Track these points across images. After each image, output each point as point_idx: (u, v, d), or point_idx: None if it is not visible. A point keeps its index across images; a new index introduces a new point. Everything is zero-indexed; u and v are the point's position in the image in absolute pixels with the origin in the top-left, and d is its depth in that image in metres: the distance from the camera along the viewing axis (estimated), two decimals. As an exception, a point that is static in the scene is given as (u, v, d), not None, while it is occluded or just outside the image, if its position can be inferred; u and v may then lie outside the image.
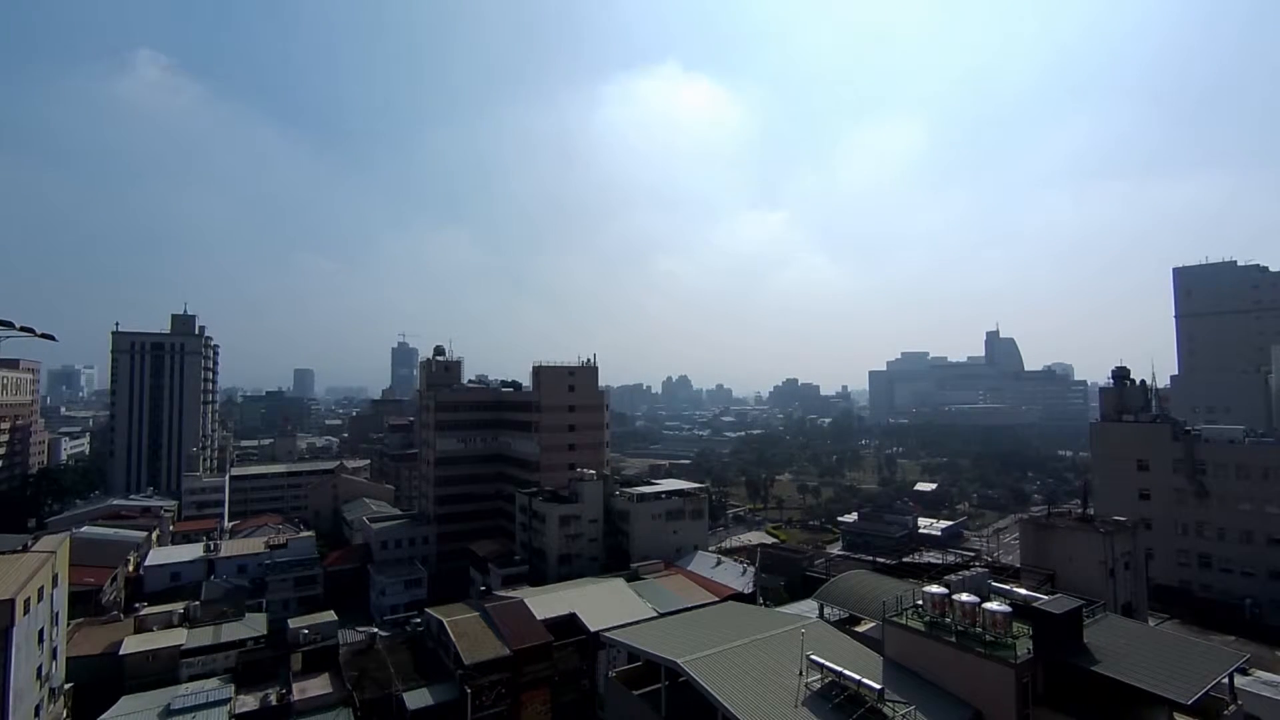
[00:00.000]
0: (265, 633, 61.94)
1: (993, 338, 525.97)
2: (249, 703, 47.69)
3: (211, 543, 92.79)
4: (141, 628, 60.74)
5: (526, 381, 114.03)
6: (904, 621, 37.27)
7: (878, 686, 31.15)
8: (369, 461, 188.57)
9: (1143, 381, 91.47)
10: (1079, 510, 63.27)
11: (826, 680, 32.64)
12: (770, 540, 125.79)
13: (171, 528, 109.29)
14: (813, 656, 33.45)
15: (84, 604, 65.67)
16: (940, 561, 79.84)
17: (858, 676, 31.60)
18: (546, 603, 61.05)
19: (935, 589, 38.15)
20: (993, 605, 35.54)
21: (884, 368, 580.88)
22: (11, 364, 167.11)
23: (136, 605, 69.97)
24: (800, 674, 33.37)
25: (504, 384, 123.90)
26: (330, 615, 63.26)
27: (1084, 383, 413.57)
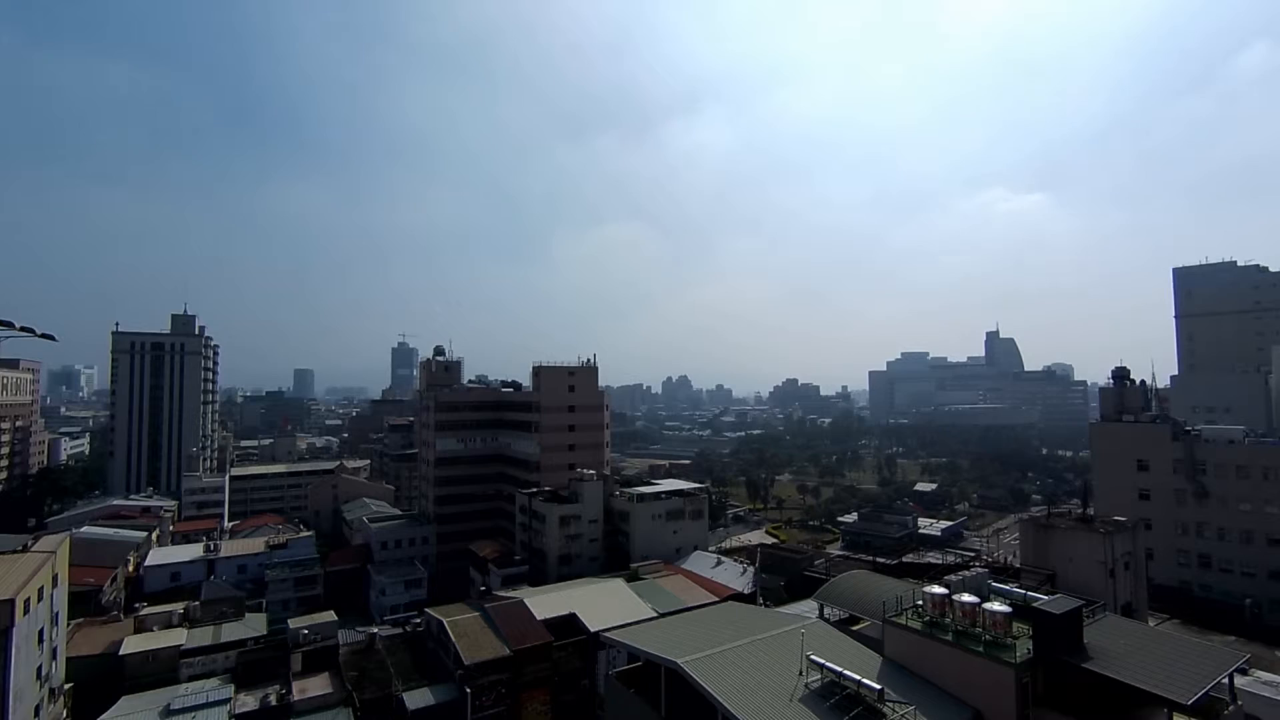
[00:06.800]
0: (265, 633, 61.92)
1: (993, 338, 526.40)
2: (249, 703, 47.64)
3: (211, 543, 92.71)
4: (141, 628, 60.70)
5: (527, 381, 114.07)
6: (904, 622, 37.25)
7: (877, 687, 31.13)
8: (369, 461, 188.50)
9: (1142, 381, 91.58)
10: (1079, 510, 63.33)
11: (826, 680, 32.62)
12: (770, 540, 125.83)
13: (171, 528, 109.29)
14: (813, 656, 33.43)
15: (84, 604, 65.67)
16: (940, 561, 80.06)
17: (857, 676, 31.58)
18: (546, 603, 61.00)
19: (935, 589, 38.13)
20: (993, 605, 35.54)
21: (884, 368, 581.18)
22: (11, 364, 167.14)
23: (136, 605, 69.97)
24: (800, 674, 33.37)
25: (504, 384, 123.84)
26: (330, 615, 63.11)
27: (1084, 383, 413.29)
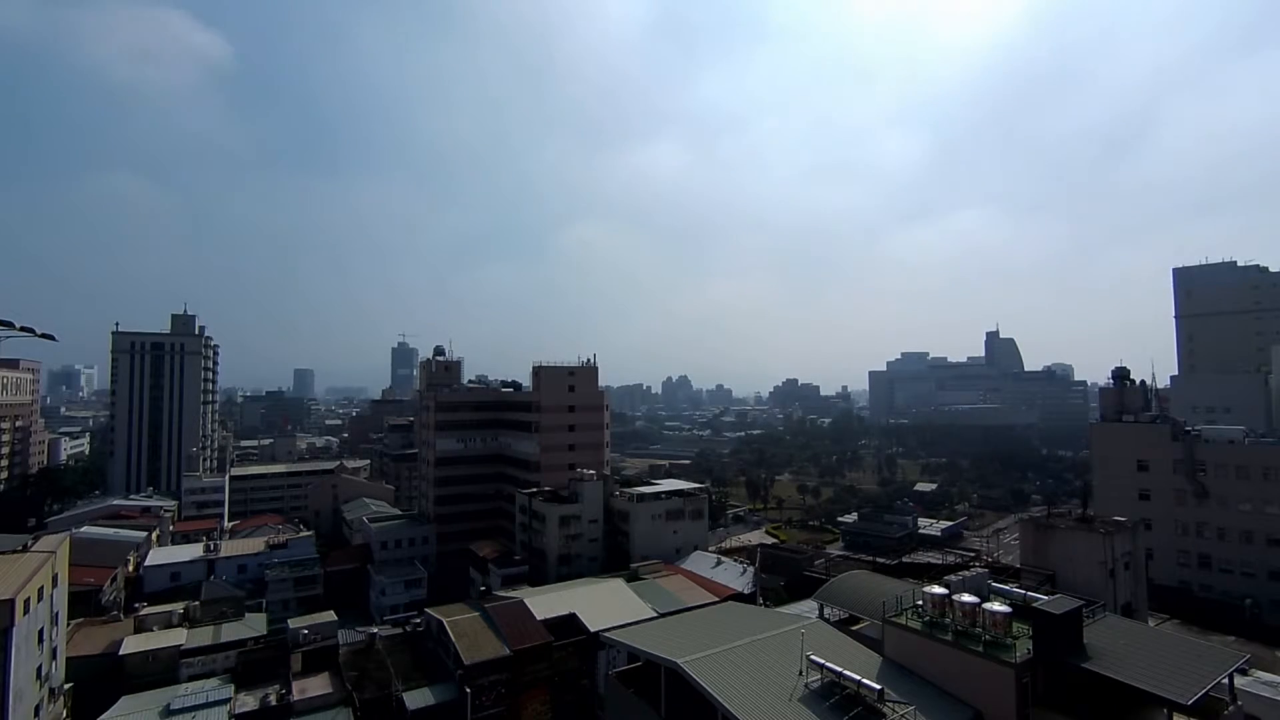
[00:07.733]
0: (265, 633, 61.88)
1: (993, 338, 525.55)
2: (249, 703, 47.60)
3: (211, 543, 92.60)
4: (141, 628, 60.63)
5: (527, 382, 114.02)
6: (904, 622, 37.26)
7: (877, 687, 31.15)
8: (369, 461, 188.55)
9: (1143, 382, 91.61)
10: (1079, 510, 63.30)
11: (826, 680, 32.63)
12: (770, 540, 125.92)
13: (171, 528, 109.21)
14: (813, 657, 33.45)
15: (84, 604, 65.51)
16: (940, 562, 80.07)
17: (857, 677, 31.61)
18: (546, 603, 60.99)
19: (935, 589, 38.15)
20: (993, 605, 35.54)
21: (884, 368, 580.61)
22: (11, 364, 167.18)
23: (136, 605, 69.85)
24: (800, 674, 33.38)
25: (504, 384, 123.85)
26: (330, 615, 63.13)
27: (1084, 383, 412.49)
